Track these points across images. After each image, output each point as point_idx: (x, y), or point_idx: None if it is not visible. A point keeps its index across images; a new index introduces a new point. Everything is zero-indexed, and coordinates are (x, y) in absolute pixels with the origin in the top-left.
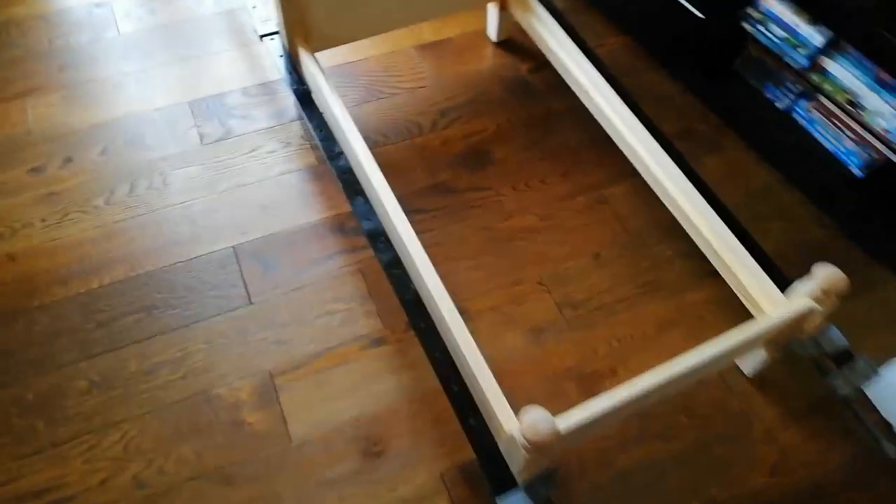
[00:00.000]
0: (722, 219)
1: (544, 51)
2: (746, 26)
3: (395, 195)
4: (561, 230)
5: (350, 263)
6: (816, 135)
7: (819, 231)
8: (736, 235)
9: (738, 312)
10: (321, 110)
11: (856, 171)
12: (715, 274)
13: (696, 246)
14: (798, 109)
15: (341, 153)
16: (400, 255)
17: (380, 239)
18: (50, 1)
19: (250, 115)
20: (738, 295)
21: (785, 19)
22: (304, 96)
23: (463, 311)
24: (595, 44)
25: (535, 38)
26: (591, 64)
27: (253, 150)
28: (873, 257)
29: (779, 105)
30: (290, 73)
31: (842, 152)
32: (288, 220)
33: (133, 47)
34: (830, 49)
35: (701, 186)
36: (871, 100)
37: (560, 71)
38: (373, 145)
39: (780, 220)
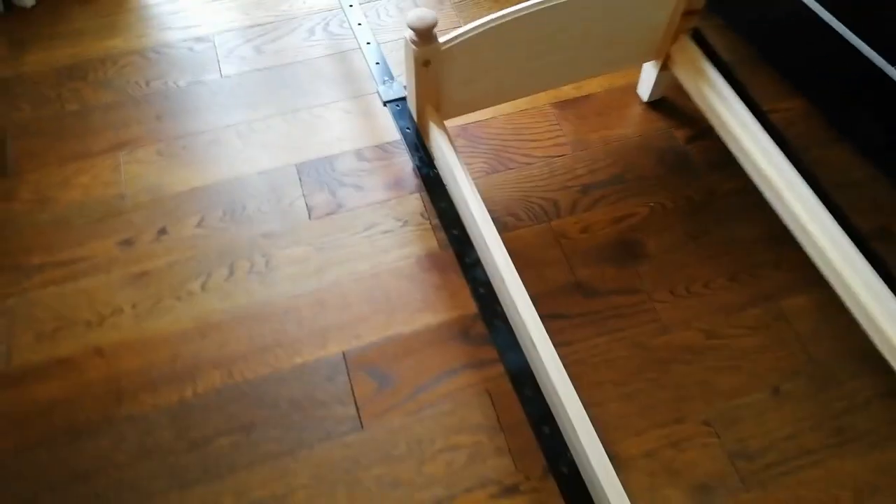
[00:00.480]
0: None
1: (709, 116)
2: None
3: (530, 294)
4: (730, 353)
5: (476, 382)
6: None
7: None
8: None
9: None
10: (448, 188)
11: None
12: None
13: None
14: None
15: (477, 262)
16: (537, 377)
17: (512, 355)
18: (149, 34)
19: (364, 185)
20: None
21: None
22: (430, 174)
23: (612, 456)
24: (768, 107)
25: (698, 100)
26: (768, 136)
27: (367, 229)
28: None
29: None
30: (415, 146)
31: None
32: (405, 321)
33: (236, 94)
34: None
35: None
36: None
37: (728, 142)
38: (501, 228)
39: None
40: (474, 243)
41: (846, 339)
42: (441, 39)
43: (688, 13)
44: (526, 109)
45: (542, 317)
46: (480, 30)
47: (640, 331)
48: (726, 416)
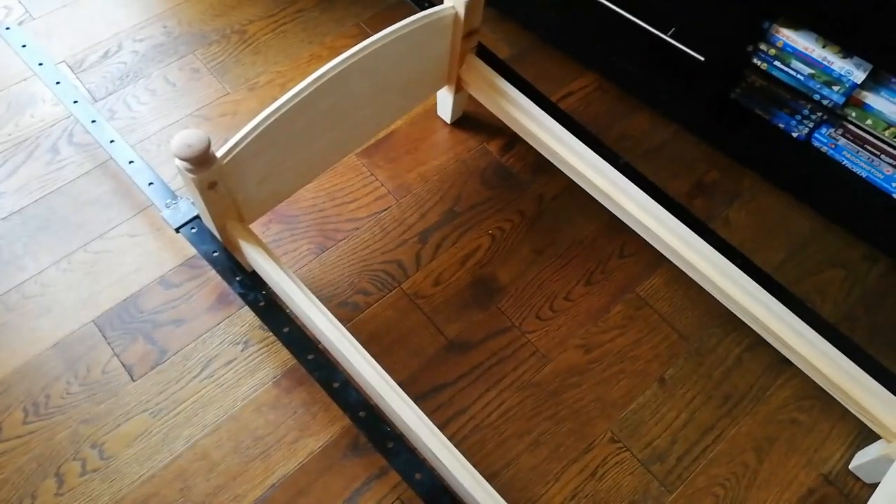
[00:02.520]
0: (781, 300)
1: (512, 126)
2: (758, 63)
3: (404, 377)
4: (611, 359)
5: (387, 492)
6: (846, 162)
7: (875, 272)
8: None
9: (831, 403)
10: (286, 307)
11: None
12: (785, 360)
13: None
14: (819, 137)
15: (347, 384)
16: (437, 471)
17: (417, 475)
18: None
19: (183, 317)
20: (831, 392)
21: (811, 54)
22: (257, 299)
23: None
24: (563, 92)
25: (498, 113)
26: (571, 135)
27: (205, 368)
28: None
29: (794, 134)
30: (230, 270)
31: (879, 179)
32: (286, 458)
33: (4, 249)
34: (870, 81)
35: (741, 260)
36: None
37: (536, 147)
38: (351, 312)
39: (833, 267)
40: (338, 363)
41: (700, 304)
42: (220, 152)
43: (468, 35)
44: (333, 168)
45: (425, 394)
46: (262, 127)
47: (524, 369)
48: (628, 424)
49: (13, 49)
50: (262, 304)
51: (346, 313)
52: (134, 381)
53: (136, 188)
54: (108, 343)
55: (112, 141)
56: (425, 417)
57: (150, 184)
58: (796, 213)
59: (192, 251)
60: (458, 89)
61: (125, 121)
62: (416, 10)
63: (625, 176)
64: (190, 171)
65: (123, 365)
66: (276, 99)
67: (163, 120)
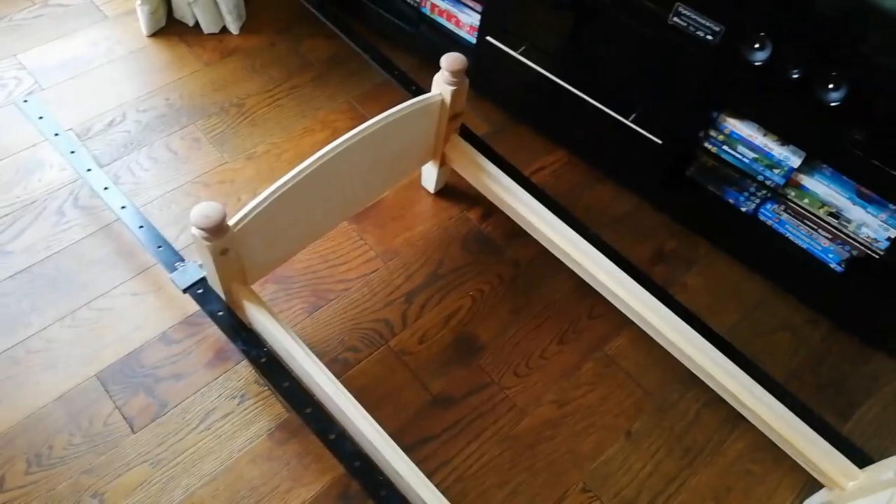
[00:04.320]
0: (735, 360)
1: (490, 198)
2: (709, 146)
3: (393, 430)
4: (582, 414)
5: None
6: (789, 235)
7: (817, 334)
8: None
9: (781, 455)
10: (286, 365)
11: (835, 267)
12: (739, 415)
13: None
14: (765, 212)
15: (343, 436)
16: None
17: (393, 499)
18: None
19: (182, 372)
20: (781, 446)
21: (754, 141)
22: (260, 357)
23: None
24: (536, 166)
25: (478, 186)
26: (543, 206)
27: (203, 421)
28: (867, 344)
29: (743, 209)
30: (234, 329)
31: (818, 251)
32: None
33: (11, 306)
34: (805, 166)
35: (699, 324)
36: (855, 212)
37: (511, 216)
38: (342, 368)
39: (781, 329)
40: (334, 417)
41: (663, 363)
42: (231, 221)
43: (453, 117)
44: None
45: (412, 446)
46: (271, 199)
47: (503, 423)
48: (598, 474)
49: (30, 119)
50: (263, 360)
51: (337, 369)
52: (134, 433)
53: (138, 249)
54: (111, 396)
55: (123, 207)
56: (418, 470)
57: (159, 247)
58: (747, 280)
59: (192, 309)
60: (443, 164)
61: (129, 185)
62: (402, 90)
63: (592, 245)
64: (206, 238)
65: (124, 417)
66: (272, 168)
67: (165, 185)
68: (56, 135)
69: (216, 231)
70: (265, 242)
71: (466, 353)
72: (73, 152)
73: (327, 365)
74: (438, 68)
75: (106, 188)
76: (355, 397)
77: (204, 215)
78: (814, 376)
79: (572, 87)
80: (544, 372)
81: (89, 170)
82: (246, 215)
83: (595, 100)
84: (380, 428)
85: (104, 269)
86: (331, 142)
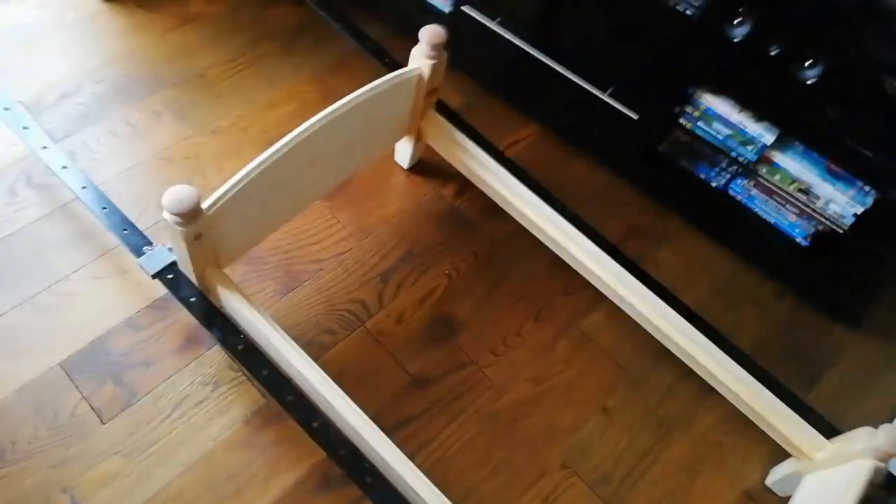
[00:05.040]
0: (706, 334)
1: (467, 175)
2: (684, 122)
3: (372, 413)
4: (559, 391)
5: None
6: (757, 210)
7: (783, 307)
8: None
9: (751, 426)
10: (264, 352)
11: (801, 241)
12: (710, 388)
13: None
14: (735, 187)
15: (327, 425)
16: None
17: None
18: None
19: (152, 359)
20: (748, 415)
21: (729, 118)
22: (237, 345)
23: None
24: (510, 140)
25: (454, 162)
26: (519, 181)
27: (175, 409)
28: (834, 319)
29: (714, 184)
30: (208, 316)
31: (785, 225)
32: (258, 497)
33: None
34: (778, 143)
35: (673, 300)
36: (824, 189)
37: (487, 192)
38: (318, 351)
39: (749, 304)
40: (316, 405)
41: (636, 338)
42: (205, 204)
43: (430, 92)
44: None
45: (392, 428)
46: (246, 180)
47: (482, 402)
48: (577, 450)
49: None
50: (240, 347)
51: (313, 352)
52: (104, 423)
53: (99, 230)
54: (76, 386)
55: (84, 187)
56: (404, 456)
57: (125, 230)
58: (717, 254)
59: (160, 292)
60: (418, 139)
61: (87, 162)
62: (373, 61)
63: (568, 221)
64: (180, 224)
65: (92, 408)
66: (238, 142)
67: (125, 162)
68: (6, 109)
69: (191, 216)
70: (239, 224)
71: (444, 333)
72: (25, 128)
73: (304, 348)
74: (412, 38)
75: (64, 167)
76: (334, 381)
77: (178, 199)
78: (780, 347)
79: (549, 59)
80: (521, 350)
81: (45, 147)
82: (220, 197)
83: (572, 73)
84: (364, 415)
85: (63, 251)
86: (299, 114)
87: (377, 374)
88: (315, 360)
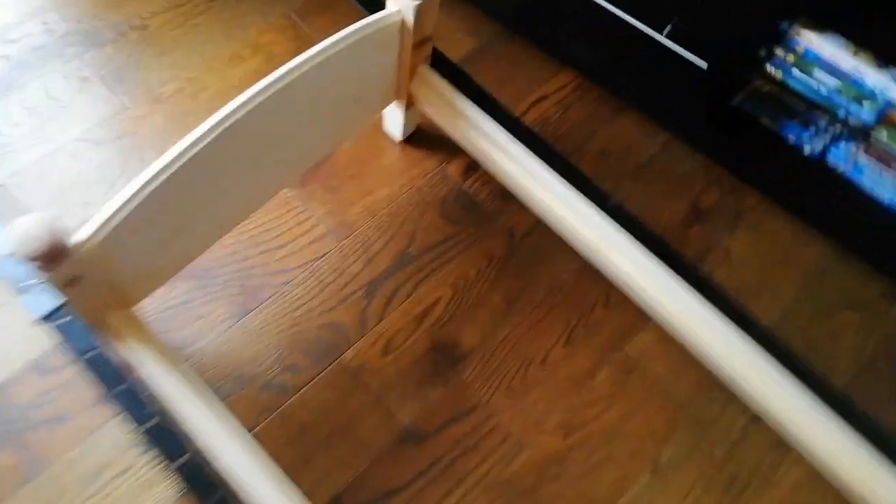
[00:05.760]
0: (783, 363)
1: (471, 152)
2: (772, 71)
3: (348, 480)
4: (596, 442)
5: None
6: (866, 185)
7: (893, 311)
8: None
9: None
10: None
11: None
12: None
13: None
14: (836, 154)
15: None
16: None
17: None
18: None
19: (65, 413)
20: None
21: (839, 63)
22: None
23: None
24: (536, 95)
25: (456, 135)
26: (538, 160)
27: (93, 480)
28: None
29: (807, 150)
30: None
31: None
32: None
33: None
34: None
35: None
36: None
37: (498, 176)
38: (277, 397)
39: (849, 309)
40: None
41: (699, 363)
42: (79, 238)
43: (419, 44)
44: None
45: (374, 501)
46: (151, 186)
47: (494, 461)
48: None
49: None
50: (156, 421)
51: (270, 399)
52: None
53: None
54: None
55: None
56: None
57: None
58: (807, 242)
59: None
60: (409, 105)
61: None
62: (356, 6)
63: (605, 213)
64: (40, 269)
65: None
66: (186, 112)
67: (42, 146)
68: None
69: (51, 257)
70: (155, 243)
71: (445, 366)
72: None
73: (259, 393)
74: None
75: None
76: (296, 438)
77: (29, 237)
78: (891, 367)
79: None
80: (547, 386)
81: None
82: (96, 232)
83: (617, 7)
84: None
85: None
86: (264, 71)
87: (357, 424)
88: (273, 410)
